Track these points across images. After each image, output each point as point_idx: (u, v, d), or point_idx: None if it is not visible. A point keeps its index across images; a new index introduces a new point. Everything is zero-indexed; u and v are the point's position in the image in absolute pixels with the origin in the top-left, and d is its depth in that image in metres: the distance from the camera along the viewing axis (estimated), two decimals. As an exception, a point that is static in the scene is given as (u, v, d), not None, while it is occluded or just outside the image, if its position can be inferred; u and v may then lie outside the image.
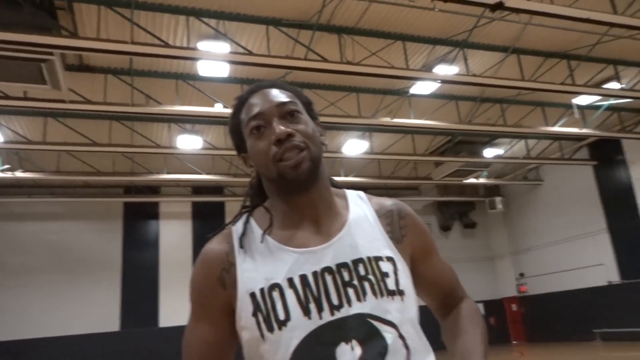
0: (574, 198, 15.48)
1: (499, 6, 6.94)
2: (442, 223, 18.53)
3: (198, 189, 15.34)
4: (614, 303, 13.99)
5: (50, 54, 6.77)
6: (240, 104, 1.19)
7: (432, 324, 1.33)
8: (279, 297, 1.03)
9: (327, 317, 1.01)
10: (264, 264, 1.07)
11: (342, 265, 1.06)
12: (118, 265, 14.50)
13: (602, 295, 14.39)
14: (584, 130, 11.94)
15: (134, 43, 7.11)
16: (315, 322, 1.01)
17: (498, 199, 17.61)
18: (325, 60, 8.22)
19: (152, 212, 15.27)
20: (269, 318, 1.02)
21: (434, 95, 11.04)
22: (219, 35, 8.08)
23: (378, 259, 1.08)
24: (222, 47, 8.10)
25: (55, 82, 7.38)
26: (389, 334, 1.01)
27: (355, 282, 1.04)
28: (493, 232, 19.13)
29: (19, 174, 11.28)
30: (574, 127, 11.97)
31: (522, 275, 17.87)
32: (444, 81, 9.29)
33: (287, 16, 8.14)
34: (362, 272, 1.05)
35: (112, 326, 13.92)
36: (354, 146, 12.76)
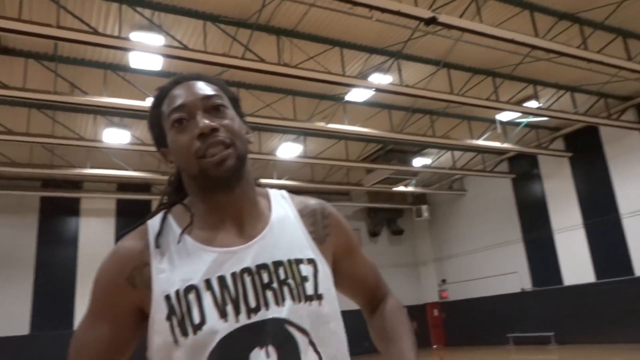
0: (494, 208, 16.38)
1: (432, 21, 7.25)
2: (371, 229, 18.93)
3: (123, 185, 14.69)
4: (527, 309, 14.91)
5: (-37, 31, 6.25)
6: (162, 95, 1.11)
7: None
8: (195, 299, 0.98)
9: (243, 319, 0.97)
10: (181, 265, 1.01)
11: (262, 267, 1.02)
12: (31, 263, 13.56)
13: (516, 301, 15.30)
14: (505, 145, 12.67)
15: (59, 27, 6.72)
16: (231, 324, 0.97)
17: (424, 207, 18.26)
18: (262, 60, 8.18)
19: (72, 208, 14.43)
20: (184, 322, 0.96)
21: (368, 103, 11.28)
22: (153, 26, 7.81)
23: (299, 261, 1.06)
24: (156, 39, 7.83)
25: (-33, 63, 6.82)
26: (301, 341, 0.99)
27: (275, 285, 1.01)
28: (419, 239, 19.80)
29: None
30: (496, 142, 12.67)
31: (444, 281, 18.61)
32: (378, 90, 9.51)
33: (226, 13, 8.02)
34: (282, 275, 1.02)
35: (21, 329, 12.98)
36: (288, 149, 12.77)
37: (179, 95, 1.07)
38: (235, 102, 1.15)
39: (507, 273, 15.71)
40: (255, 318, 0.98)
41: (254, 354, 0.96)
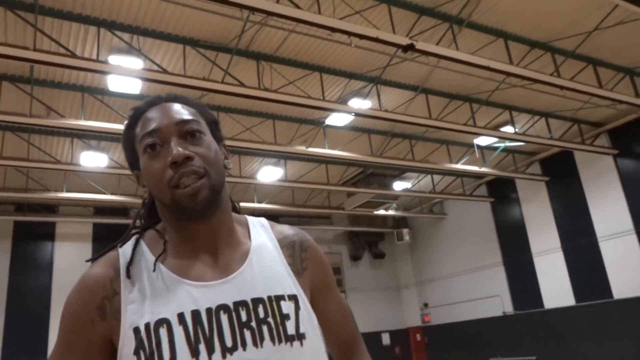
0: (474, 232, 16.48)
1: (410, 48, 7.37)
2: (353, 253, 18.86)
3: (101, 209, 14.44)
4: (508, 332, 14.90)
5: (-64, 53, 6.16)
6: (136, 116, 1.07)
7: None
8: (165, 334, 0.91)
9: (217, 359, 0.91)
10: (153, 296, 0.95)
11: (241, 304, 0.96)
12: (3, 289, 13.14)
13: (498, 325, 15.29)
14: (483, 169, 12.82)
15: (36, 50, 6.65)
16: None
17: (405, 231, 18.29)
18: (242, 85, 8.20)
19: (46, 233, 14.10)
20: (152, 358, 0.90)
21: (348, 127, 11.36)
22: (132, 50, 7.80)
23: (279, 298, 1.00)
24: (135, 63, 7.81)
25: (-61, 85, 6.70)
26: None
27: (253, 324, 0.95)
28: (400, 262, 19.76)
29: None
30: (474, 166, 12.82)
31: (426, 305, 18.54)
32: (358, 114, 9.59)
33: (206, 38, 8.06)
34: (261, 314, 0.96)
35: (-11, 359, 12.51)
36: (269, 173, 12.73)
37: (153, 119, 1.02)
38: (214, 125, 1.11)
39: (489, 297, 15.72)
40: (230, 358, 0.91)
41: None
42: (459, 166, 12.72)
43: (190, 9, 7.29)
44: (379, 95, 9.80)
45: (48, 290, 13.61)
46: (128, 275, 0.98)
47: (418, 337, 18.59)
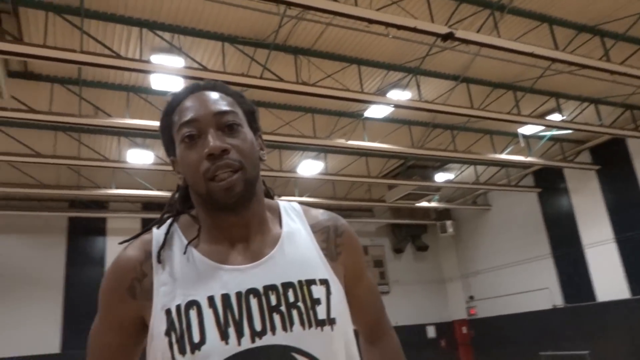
0: (521, 223, 16.02)
1: (449, 36, 7.21)
2: (395, 245, 18.73)
3: (148, 204, 14.92)
4: (559, 326, 14.44)
5: (-8, 59, 6.50)
6: (174, 103, 1.07)
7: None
8: (195, 316, 0.93)
9: (246, 344, 0.91)
10: (184, 279, 0.97)
11: (271, 288, 0.96)
12: (60, 283, 13.82)
13: (548, 318, 14.83)
14: (529, 159, 12.42)
15: (83, 52, 6.91)
16: (232, 348, 0.91)
17: (449, 223, 18.00)
18: (281, 79, 8.25)
19: (98, 228, 14.71)
20: (183, 339, 0.91)
21: (388, 119, 11.25)
22: (173, 49, 7.98)
23: (310, 282, 0.99)
24: (176, 61, 7.99)
25: (-4, 89, 7.07)
26: None
27: (283, 308, 0.95)
28: (444, 255, 19.47)
29: (-47, 184, 10.66)
30: (519, 155, 12.44)
31: (471, 298, 18.21)
32: (397, 106, 9.48)
33: (244, 34, 8.15)
34: (291, 298, 0.96)
35: (52, 348, 13.19)
36: (309, 167, 12.78)
37: (191, 108, 1.03)
38: (251, 115, 1.10)
39: (537, 289, 15.27)
40: (259, 343, 0.92)
41: None
42: (503, 156, 12.36)
43: (228, 6, 7.38)
44: (418, 86, 9.65)
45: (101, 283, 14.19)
46: (159, 259, 1.01)
47: (464, 330, 18.29)
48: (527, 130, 11.96)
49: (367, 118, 10.87)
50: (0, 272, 13.16)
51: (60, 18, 7.07)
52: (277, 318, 0.94)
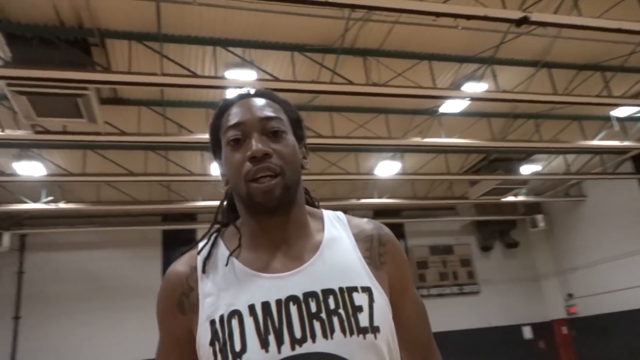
0: (621, 214, 14.78)
1: (524, 21, 6.84)
2: (482, 243, 18.02)
3: (234, 215, 15.51)
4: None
5: (85, 88, 7.10)
6: (224, 108, 1.13)
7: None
8: (237, 325, 0.94)
9: (286, 351, 0.91)
10: (227, 289, 0.99)
11: (310, 295, 0.96)
12: (157, 293, 14.72)
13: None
14: (625, 143, 11.44)
15: (163, 75, 7.34)
16: (272, 356, 0.91)
17: (539, 217, 17.03)
18: (351, 83, 8.26)
19: (189, 239, 15.50)
20: (225, 348, 0.93)
21: (465, 113, 10.88)
22: (245, 63, 8.27)
23: (352, 289, 0.98)
24: (249, 75, 8.27)
25: (91, 116, 7.71)
26: None
27: (323, 315, 0.94)
28: (536, 251, 18.43)
29: (61, 205, 11.74)
30: (614, 140, 11.50)
31: (570, 295, 17.07)
32: (474, 99, 9.13)
33: (311, 42, 8.26)
34: (332, 305, 0.95)
35: (151, 354, 14.07)
36: (386, 167, 12.66)
37: (239, 112, 1.07)
38: (296, 123, 1.13)
39: (646, 284, 14.03)
40: (299, 350, 0.91)
41: None
42: (596, 142, 11.50)
43: (294, 16, 7.52)
44: (494, 76, 9.25)
45: (195, 291, 14.95)
46: (204, 270, 1.05)
47: (564, 330, 17.18)
48: (621, 112, 11.03)
49: (442, 114, 10.57)
50: (104, 283, 14.29)
51: (141, 45, 7.57)
52: (317, 325, 0.94)
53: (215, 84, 7.83)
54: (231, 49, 8.07)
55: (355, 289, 0.99)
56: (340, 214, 1.16)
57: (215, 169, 11.43)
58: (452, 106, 10.10)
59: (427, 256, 17.33)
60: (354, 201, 14.00)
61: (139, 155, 10.80)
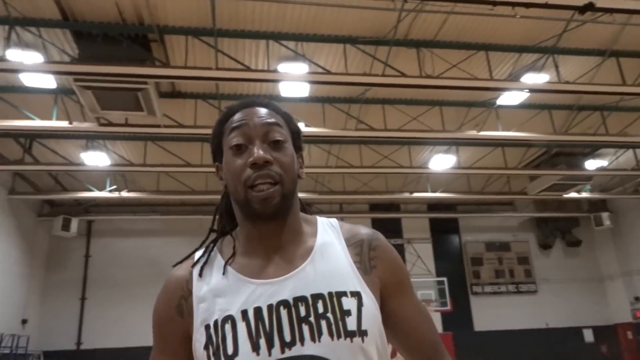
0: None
1: (589, 7, 6.47)
2: (542, 241, 17.34)
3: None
4: None
5: (145, 83, 7.39)
6: (228, 114, 1.15)
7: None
8: (230, 329, 0.98)
9: (276, 354, 0.94)
10: (221, 295, 1.03)
11: (300, 300, 0.98)
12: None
13: None
14: None
15: (218, 69, 7.55)
16: (263, 359, 0.94)
17: (605, 215, 16.15)
18: (403, 75, 8.16)
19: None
20: (218, 352, 0.97)
21: (524, 106, 10.46)
22: (297, 56, 8.33)
23: (341, 294, 1.00)
24: (301, 68, 8.33)
25: (150, 109, 8.03)
26: None
27: (312, 319, 0.96)
28: (601, 250, 17.53)
29: (124, 193, 12.33)
30: (690, 134, 10.71)
31: (637, 299, 16.14)
32: (533, 90, 8.77)
33: (363, 34, 8.20)
34: (320, 309, 0.97)
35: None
36: (440, 161, 12.40)
37: (242, 119, 1.09)
38: (296, 135, 1.16)
39: None
40: (289, 353, 0.94)
41: None
42: (669, 136, 10.75)
43: (347, 8, 7.49)
44: (556, 67, 8.82)
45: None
46: (200, 275, 1.08)
47: (629, 335, 16.27)
48: (699, 104, 10.26)
49: (500, 106, 10.22)
50: (163, 269, 14.86)
51: (197, 40, 7.79)
52: (306, 329, 0.96)
53: (268, 78, 7.96)
54: (284, 42, 8.15)
55: (344, 293, 1.01)
56: (333, 220, 1.17)
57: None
58: (510, 98, 9.74)
59: (482, 252, 16.89)
60: (406, 195, 13.84)
61: (196, 147, 11.14)
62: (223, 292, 1.04)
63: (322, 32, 8.12)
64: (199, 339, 1.02)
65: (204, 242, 1.17)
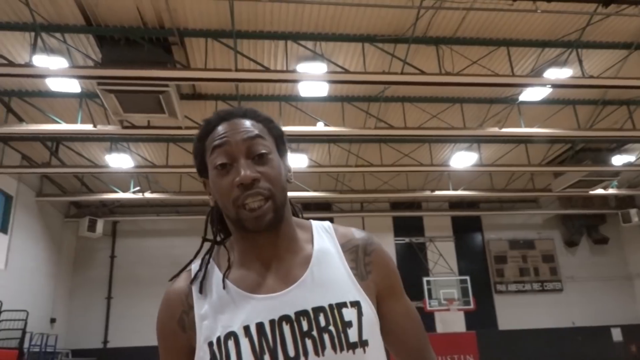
0: None
1: (613, 0, 6.36)
2: (567, 238, 17.01)
3: (307, 205, 15.76)
4: None
5: (166, 85, 7.49)
6: (207, 130, 1.10)
7: None
8: (233, 346, 0.97)
9: None
10: (222, 312, 1.02)
11: (302, 314, 0.99)
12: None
13: None
14: None
15: (238, 70, 7.60)
16: None
17: (634, 211, 15.75)
18: (422, 72, 8.09)
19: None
20: None
21: (547, 101, 10.28)
22: (316, 56, 8.34)
23: (341, 305, 1.00)
24: (320, 68, 8.33)
25: (171, 111, 8.13)
26: None
27: (315, 333, 0.97)
28: (629, 248, 17.12)
29: (147, 194, 12.53)
30: None
31: (667, 297, 15.74)
32: (556, 85, 8.61)
33: (382, 32, 8.17)
34: (322, 322, 0.98)
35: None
36: (462, 159, 12.28)
37: (223, 136, 1.05)
38: (280, 139, 1.13)
39: None
40: None
41: None
42: (699, 130, 10.44)
43: (365, 7, 7.46)
44: (580, 61, 8.63)
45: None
46: (200, 291, 1.07)
47: (660, 334, 15.87)
48: None
49: (522, 102, 10.07)
50: (188, 269, 15.07)
51: (217, 42, 7.86)
52: (309, 343, 0.96)
53: (287, 78, 8.00)
54: (302, 42, 8.17)
55: (344, 304, 1.01)
56: (327, 224, 1.16)
57: (289, 161, 11.65)
58: (532, 94, 9.59)
59: (505, 250, 16.66)
60: (428, 193, 13.74)
61: (217, 148, 11.22)
62: (224, 308, 1.03)
63: (341, 31, 8.11)
64: (202, 356, 1.01)
65: (198, 252, 1.15)
